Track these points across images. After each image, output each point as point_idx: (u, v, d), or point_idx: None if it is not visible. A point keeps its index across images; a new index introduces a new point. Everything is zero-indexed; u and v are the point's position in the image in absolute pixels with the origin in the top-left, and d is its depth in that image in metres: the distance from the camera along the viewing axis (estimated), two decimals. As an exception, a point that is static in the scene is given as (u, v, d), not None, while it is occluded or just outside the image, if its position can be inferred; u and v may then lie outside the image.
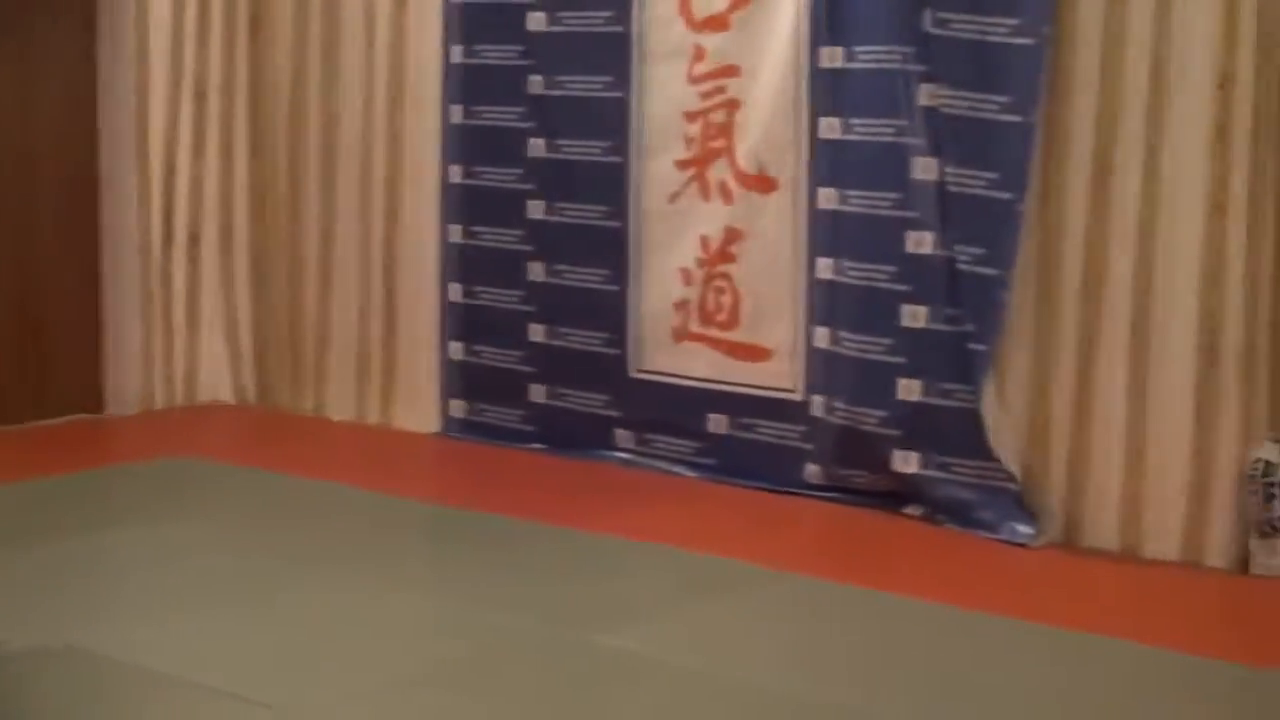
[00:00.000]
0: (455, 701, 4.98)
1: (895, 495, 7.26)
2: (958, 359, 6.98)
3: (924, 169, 7.00)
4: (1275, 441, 6.43)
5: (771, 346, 7.64)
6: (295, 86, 9.11)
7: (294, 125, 9.13)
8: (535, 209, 8.29)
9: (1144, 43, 6.52)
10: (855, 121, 7.24)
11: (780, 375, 7.61)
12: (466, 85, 8.47)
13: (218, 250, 9.37)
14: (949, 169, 6.95)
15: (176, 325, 9.25)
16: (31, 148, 8.66)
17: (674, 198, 7.85)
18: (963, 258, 6.94)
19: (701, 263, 7.80)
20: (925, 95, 6.97)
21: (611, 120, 7.96)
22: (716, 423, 7.81)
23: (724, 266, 7.74)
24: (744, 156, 7.61)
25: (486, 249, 8.50)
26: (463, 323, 8.64)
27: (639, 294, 8.01)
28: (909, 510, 7.19)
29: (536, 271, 8.34)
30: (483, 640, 5.53)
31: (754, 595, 6.16)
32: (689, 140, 7.78)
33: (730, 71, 7.62)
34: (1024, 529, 6.84)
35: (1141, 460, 6.67)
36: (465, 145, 8.51)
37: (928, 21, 6.93)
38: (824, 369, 7.44)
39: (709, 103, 7.71)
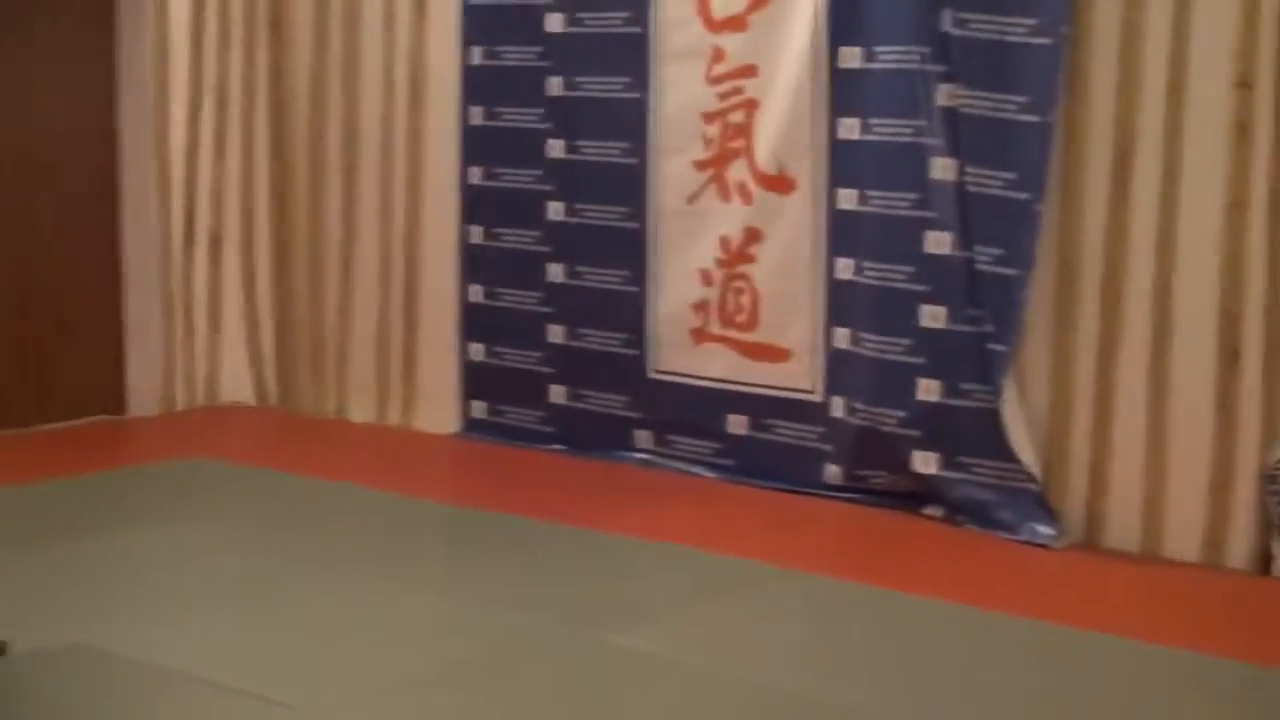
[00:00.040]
0: (470, 702, 4.98)
1: (914, 496, 7.25)
2: (977, 359, 6.96)
3: (943, 169, 6.99)
4: (1296, 441, 6.42)
5: (790, 347, 7.63)
6: (315, 88, 9.13)
7: (314, 127, 9.15)
8: (554, 210, 8.30)
9: (1162, 41, 6.50)
10: (874, 122, 7.23)
11: (799, 376, 7.61)
12: (485, 87, 8.48)
13: (238, 252, 9.41)
14: (967, 169, 6.93)
15: (197, 327, 9.31)
16: (53, 149, 8.70)
17: (692, 198, 7.84)
18: (982, 258, 6.93)
19: (720, 263, 7.80)
20: (944, 95, 6.96)
21: (630, 121, 7.96)
22: (735, 423, 7.81)
23: (743, 267, 7.74)
24: (762, 157, 7.61)
25: (505, 250, 8.51)
26: (482, 324, 8.65)
27: (657, 295, 8.01)
28: (928, 511, 7.18)
29: (555, 272, 8.34)
30: (498, 640, 5.52)
31: (771, 596, 6.16)
32: (707, 141, 7.77)
33: (749, 72, 7.62)
34: (1044, 530, 6.83)
35: (1162, 460, 6.66)
36: (484, 147, 8.52)
37: (946, 21, 6.91)
38: (843, 370, 7.44)
39: (727, 103, 7.71)
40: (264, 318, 9.45)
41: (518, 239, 8.46)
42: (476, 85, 8.51)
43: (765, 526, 7.14)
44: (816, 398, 7.55)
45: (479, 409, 8.72)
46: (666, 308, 7.99)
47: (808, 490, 7.51)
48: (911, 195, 7.10)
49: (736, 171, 7.70)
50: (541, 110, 8.28)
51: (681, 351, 7.97)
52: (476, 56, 8.49)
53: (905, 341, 7.16)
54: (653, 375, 8.07)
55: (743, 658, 5.47)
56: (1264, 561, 6.44)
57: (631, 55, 7.92)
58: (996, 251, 6.88)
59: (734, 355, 7.80)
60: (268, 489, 7.64)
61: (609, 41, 8.00)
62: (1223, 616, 6.08)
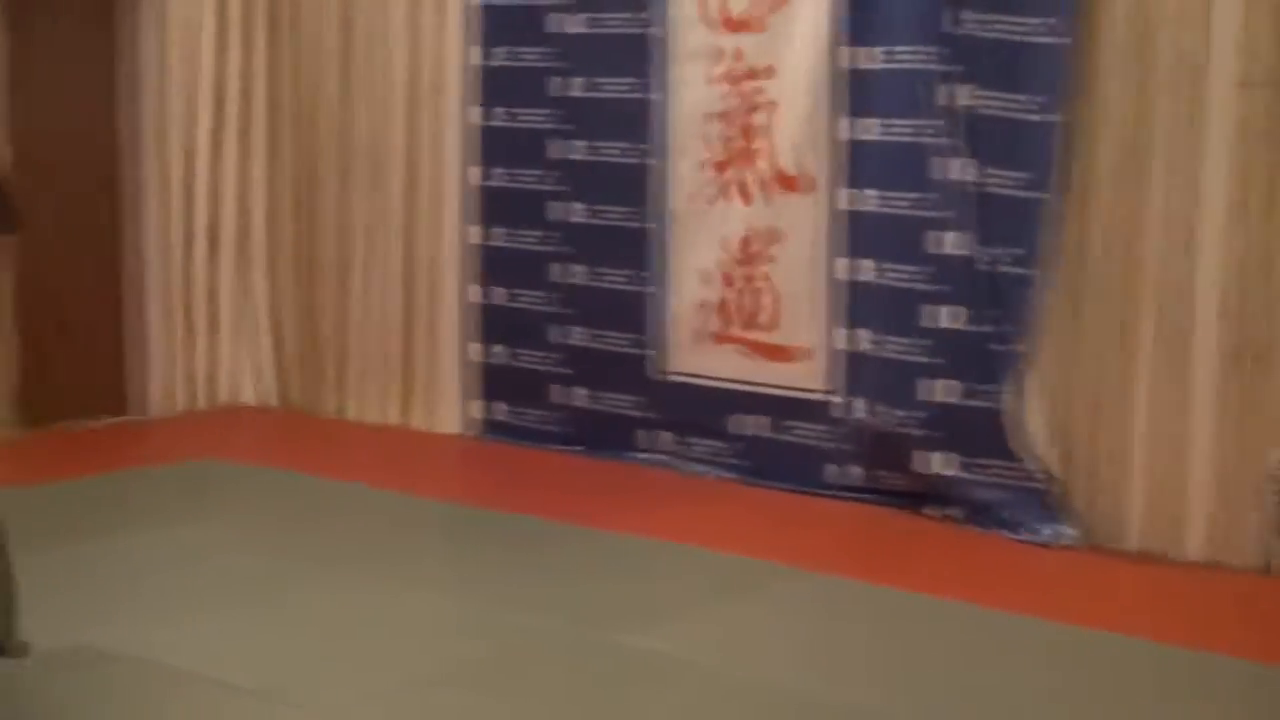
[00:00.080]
0: (478, 701, 4.98)
1: (926, 496, 7.23)
2: (989, 360, 6.95)
3: (956, 169, 6.98)
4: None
5: (803, 347, 7.62)
6: (319, 89, 9.15)
7: (318, 128, 9.17)
8: (562, 210, 8.31)
9: (1175, 40, 6.47)
10: (890, 122, 7.23)
11: (811, 376, 7.60)
12: (492, 87, 8.49)
13: (242, 254, 9.42)
14: (983, 169, 6.92)
15: (201, 329, 9.30)
16: (56, 151, 8.70)
17: (705, 199, 7.84)
18: (998, 258, 6.91)
19: (733, 264, 7.80)
20: (957, 96, 6.95)
21: (641, 122, 7.96)
22: (746, 424, 7.81)
23: (755, 268, 7.73)
24: (776, 157, 7.60)
25: (512, 250, 8.52)
26: (489, 324, 8.66)
27: (668, 295, 8.01)
28: (939, 511, 7.16)
29: (563, 273, 8.35)
30: (507, 640, 5.53)
31: (781, 595, 6.15)
32: (721, 141, 7.77)
33: (763, 73, 7.61)
34: (1053, 529, 6.81)
35: (1169, 461, 6.63)
36: (491, 147, 8.53)
37: (961, 22, 6.90)
38: (855, 370, 7.43)
39: (744, 104, 7.70)
40: (268, 319, 9.47)
41: (524, 239, 8.47)
42: (482, 86, 8.52)
43: (777, 527, 7.13)
44: (832, 398, 7.54)
45: (485, 409, 8.73)
46: (677, 308, 7.99)
47: (818, 490, 7.51)
48: (927, 196, 7.09)
49: (753, 172, 7.69)
50: (548, 111, 8.29)
51: (692, 352, 7.97)
52: (483, 57, 8.50)
53: (922, 342, 7.15)
54: (663, 376, 8.07)
55: (754, 658, 5.47)
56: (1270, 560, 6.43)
57: (643, 56, 7.92)
58: (1013, 252, 6.86)
59: (745, 356, 7.80)
60: (275, 489, 7.66)
61: (620, 42, 8.00)
62: (1232, 616, 6.04)
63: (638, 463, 8.10)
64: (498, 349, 8.67)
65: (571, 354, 8.37)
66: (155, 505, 7.36)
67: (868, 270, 7.34)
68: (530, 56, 8.35)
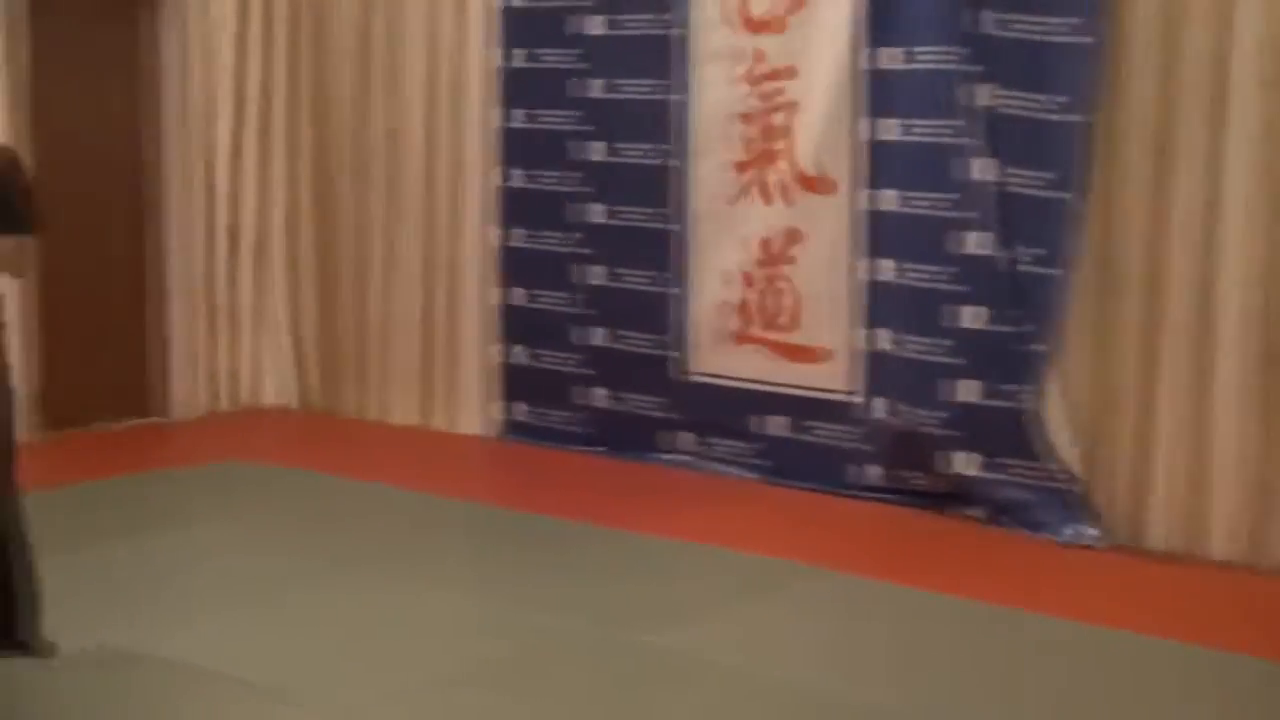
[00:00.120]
0: (499, 701, 4.98)
1: (953, 496, 7.22)
2: (1016, 360, 6.94)
3: (981, 169, 6.96)
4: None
5: (827, 348, 7.61)
6: (352, 91, 9.16)
7: (350, 130, 9.18)
8: (589, 212, 8.31)
9: (1201, 40, 6.45)
10: (912, 123, 7.21)
11: (836, 377, 7.59)
12: (520, 89, 8.50)
13: (274, 256, 9.45)
14: (1006, 169, 6.91)
15: (224, 330, 9.32)
16: (90, 154, 8.75)
17: (730, 200, 7.84)
18: (1021, 258, 6.90)
19: (755, 264, 7.79)
20: (982, 96, 6.93)
21: (668, 123, 7.96)
22: (771, 424, 7.80)
23: (780, 268, 7.72)
24: (800, 158, 7.59)
25: (539, 252, 8.52)
26: (516, 325, 8.67)
27: (693, 296, 8.01)
28: (967, 511, 7.14)
29: (590, 274, 8.35)
30: (528, 640, 5.53)
31: (804, 595, 6.14)
32: (745, 142, 7.76)
33: (786, 73, 7.61)
34: (1084, 530, 6.79)
35: (1203, 460, 6.61)
36: (518, 149, 8.54)
37: (984, 22, 6.89)
38: (881, 370, 7.41)
39: (765, 105, 7.69)
40: (298, 321, 9.49)
41: (556, 241, 8.47)
42: (511, 88, 8.52)
43: (800, 527, 7.13)
44: (853, 399, 7.53)
45: (515, 410, 8.73)
46: (702, 309, 7.99)
47: (843, 491, 7.50)
48: (950, 196, 7.08)
49: (774, 173, 7.69)
50: (577, 112, 8.29)
51: (717, 353, 7.96)
52: (512, 59, 8.51)
53: (943, 342, 7.14)
54: (687, 376, 8.06)
55: (776, 658, 5.46)
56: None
57: (668, 58, 7.92)
58: (1035, 252, 6.85)
59: (770, 356, 7.79)
60: (298, 490, 7.67)
61: (645, 44, 8.00)
62: (1257, 617, 6.00)
63: (660, 463, 8.10)
64: (520, 350, 8.68)
65: (594, 355, 8.37)
66: (179, 507, 7.38)
67: (890, 270, 7.34)
68: (552, 58, 8.36)
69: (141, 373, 9.05)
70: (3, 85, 8.06)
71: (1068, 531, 6.81)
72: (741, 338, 7.90)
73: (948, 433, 7.14)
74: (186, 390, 9.12)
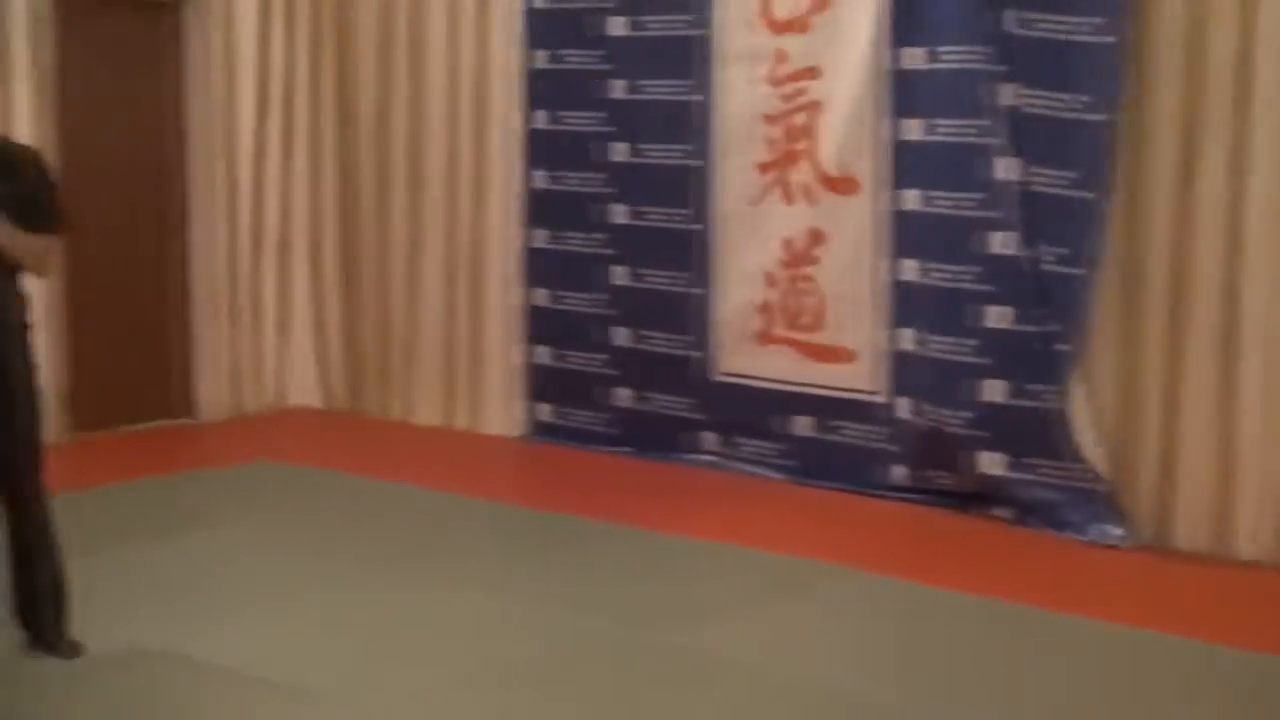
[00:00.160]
0: (524, 701, 4.99)
1: (980, 497, 7.21)
2: (1042, 360, 6.92)
3: (1005, 169, 6.95)
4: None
5: (854, 348, 7.61)
6: (364, 90, 9.19)
7: (379, 132, 9.21)
8: (616, 213, 8.31)
9: (1227, 39, 6.43)
10: (936, 122, 7.21)
11: (862, 377, 7.59)
12: (547, 91, 8.51)
13: (304, 257, 9.49)
14: (1030, 169, 6.89)
15: (263, 332, 9.38)
16: (119, 155, 8.78)
17: (754, 200, 7.84)
18: (1046, 258, 6.89)
19: (781, 265, 7.79)
20: (1006, 95, 6.92)
21: (691, 124, 7.96)
22: (797, 424, 7.80)
23: (806, 269, 7.72)
24: (825, 158, 7.59)
25: (570, 254, 8.53)
26: (545, 327, 8.68)
27: (720, 297, 8.01)
28: (993, 511, 7.13)
29: (618, 275, 8.35)
30: (554, 640, 5.54)
31: (831, 596, 6.14)
32: (769, 143, 7.76)
33: (811, 74, 7.61)
34: (1111, 530, 6.79)
35: (1231, 460, 6.59)
36: (546, 150, 8.54)
37: (1007, 21, 6.88)
38: (907, 371, 7.41)
39: (789, 105, 7.69)
40: (329, 322, 9.52)
41: (580, 242, 8.48)
42: (538, 89, 8.53)
43: (827, 527, 7.12)
44: (880, 399, 7.53)
45: (542, 411, 8.75)
46: (729, 310, 7.99)
47: (871, 491, 7.50)
48: (974, 195, 7.07)
49: (800, 173, 7.69)
50: (603, 114, 8.29)
51: (744, 353, 7.96)
52: (538, 60, 8.52)
53: (969, 342, 7.13)
54: (716, 377, 8.07)
55: (803, 657, 5.46)
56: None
57: (692, 58, 7.92)
58: (1061, 251, 6.84)
59: (798, 357, 7.79)
60: (328, 491, 7.69)
61: (670, 45, 8.00)
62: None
63: (685, 463, 8.11)
64: (545, 350, 8.69)
65: (619, 355, 8.39)
66: (205, 507, 7.40)
67: (915, 270, 7.33)
68: (576, 59, 8.36)
69: (168, 374, 9.08)
70: (28, 86, 8.09)
71: (1093, 531, 6.80)
72: (766, 338, 7.90)
73: (973, 432, 7.13)
74: (212, 391, 9.16)
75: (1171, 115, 6.59)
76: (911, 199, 7.31)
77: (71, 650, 5.19)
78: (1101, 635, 5.67)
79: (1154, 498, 6.79)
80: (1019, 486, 7.05)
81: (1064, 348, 6.87)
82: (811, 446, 7.76)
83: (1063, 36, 6.74)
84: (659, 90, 8.09)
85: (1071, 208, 6.78)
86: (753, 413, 7.94)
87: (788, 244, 7.76)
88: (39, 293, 5.73)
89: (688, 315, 8.09)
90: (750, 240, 7.87)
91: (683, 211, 8.06)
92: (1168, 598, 6.20)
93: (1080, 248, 6.77)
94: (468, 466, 8.28)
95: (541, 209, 8.61)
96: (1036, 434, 6.96)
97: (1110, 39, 6.60)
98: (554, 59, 8.46)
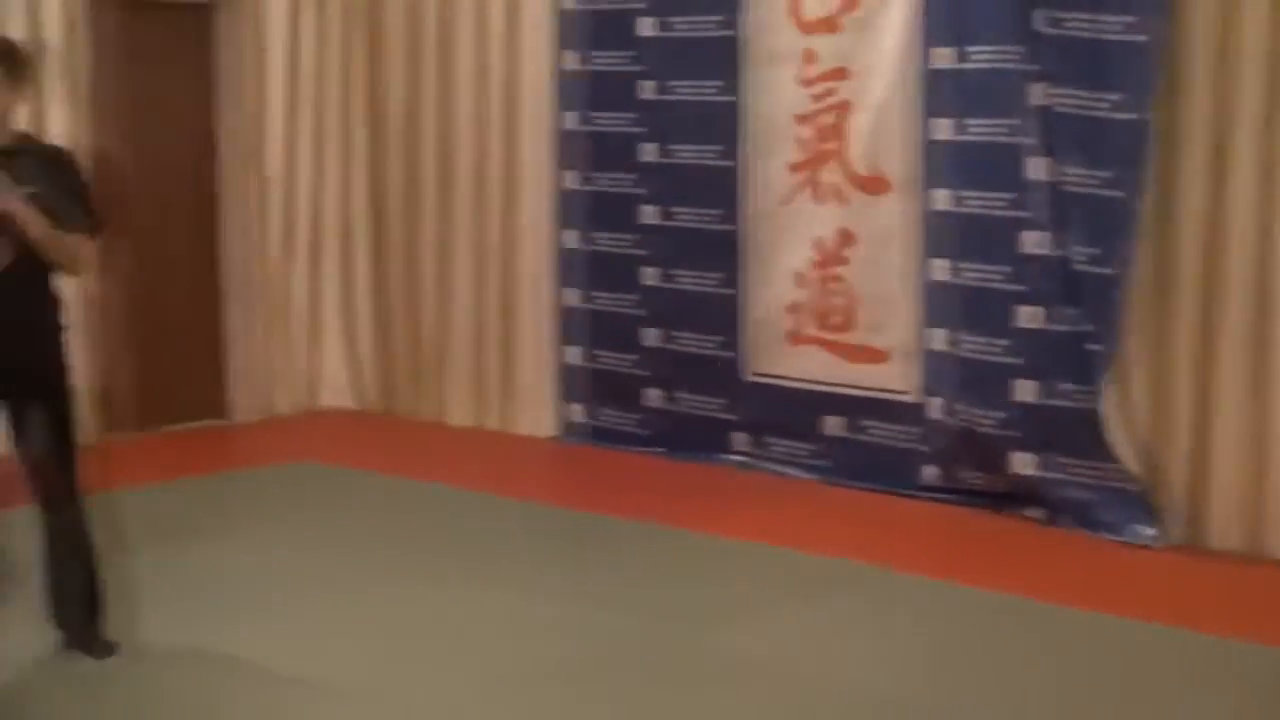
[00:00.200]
0: (559, 700, 5.01)
1: (1013, 497, 7.19)
2: (1075, 359, 6.90)
3: (1038, 168, 6.93)
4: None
5: (887, 348, 7.61)
6: (410, 96, 9.20)
7: (409, 134, 9.23)
8: (648, 214, 8.31)
9: (1259, 37, 6.40)
10: (968, 122, 7.19)
11: (895, 377, 7.58)
12: (579, 92, 8.51)
13: (336, 258, 9.51)
14: (1063, 168, 6.87)
15: (297, 333, 9.41)
16: (154, 159, 8.81)
17: (786, 201, 7.83)
18: (1078, 257, 6.87)
19: (817, 265, 7.78)
20: (1038, 94, 6.90)
21: (723, 124, 7.96)
22: (831, 425, 7.79)
23: (837, 269, 7.72)
24: (857, 158, 7.59)
25: (601, 254, 8.54)
26: (578, 328, 8.69)
27: (753, 297, 8.01)
28: (1027, 512, 7.11)
29: (649, 276, 8.36)
30: (588, 640, 5.56)
31: (865, 596, 6.14)
32: (801, 143, 7.76)
33: (842, 74, 7.60)
34: (1144, 530, 6.76)
35: (1264, 459, 6.56)
36: (578, 151, 8.55)
37: (1040, 20, 6.86)
38: (940, 371, 7.40)
39: (821, 105, 7.69)
40: (362, 323, 9.54)
41: (612, 242, 8.49)
42: (570, 90, 8.55)
43: (860, 527, 7.12)
44: (913, 399, 7.52)
45: (575, 412, 8.76)
46: (761, 310, 7.99)
47: (903, 491, 7.48)
48: (1006, 195, 7.05)
49: (830, 173, 7.68)
50: (635, 114, 8.29)
51: (777, 354, 7.96)
52: (570, 62, 8.53)
53: (1002, 342, 7.11)
54: (748, 377, 8.07)
55: (836, 658, 5.46)
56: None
57: (724, 59, 7.92)
58: (1093, 251, 6.82)
59: (830, 357, 7.79)
60: (365, 491, 7.72)
61: (701, 45, 8.00)
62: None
63: (719, 464, 8.10)
64: (579, 351, 8.70)
65: (653, 356, 8.39)
66: (241, 508, 7.44)
67: (948, 270, 7.32)
68: (608, 60, 8.37)
69: (203, 375, 9.12)
70: (63, 84, 8.12)
71: (1129, 531, 6.78)
72: (798, 338, 7.90)
73: (1005, 432, 7.12)
74: (246, 392, 9.19)
75: (1204, 114, 6.57)
76: (943, 199, 7.30)
77: (106, 650, 5.23)
78: (1136, 634, 5.66)
79: (1187, 497, 6.76)
80: (1051, 486, 7.03)
81: (1096, 347, 6.84)
82: (843, 447, 7.76)
83: (1095, 35, 6.72)
84: (690, 91, 8.08)
85: (1104, 207, 6.76)
86: (785, 413, 7.94)
87: (819, 244, 7.76)
88: (74, 295, 5.77)
89: (719, 315, 8.09)
90: (782, 240, 7.87)
91: (714, 212, 8.06)
92: (1202, 597, 6.18)
93: (1112, 247, 6.75)
94: (500, 467, 8.30)
95: (572, 210, 8.62)
96: (1069, 434, 6.94)
97: (1143, 37, 6.58)
98: (584, 60, 8.47)
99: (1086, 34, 6.75)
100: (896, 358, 7.57)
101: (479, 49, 8.86)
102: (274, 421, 9.21)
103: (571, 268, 8.66)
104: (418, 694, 5.05)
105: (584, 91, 8.49)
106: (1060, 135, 6.87)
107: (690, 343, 8.24)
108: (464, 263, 9.07)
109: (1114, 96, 6.68)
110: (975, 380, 7.23)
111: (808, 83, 7.70)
